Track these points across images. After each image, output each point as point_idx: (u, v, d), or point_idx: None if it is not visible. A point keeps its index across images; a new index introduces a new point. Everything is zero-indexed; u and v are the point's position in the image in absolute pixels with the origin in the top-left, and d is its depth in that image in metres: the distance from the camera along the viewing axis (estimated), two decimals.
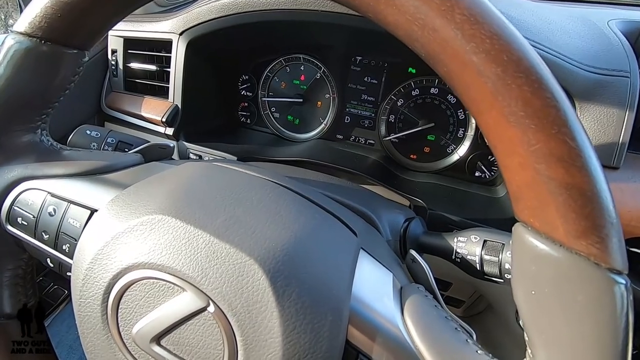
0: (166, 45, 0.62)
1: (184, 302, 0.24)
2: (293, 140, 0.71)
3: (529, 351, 0.21)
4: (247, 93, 0.72)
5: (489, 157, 0.59)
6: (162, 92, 0.65)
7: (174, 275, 0.24)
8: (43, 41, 0.28)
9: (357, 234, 0.31)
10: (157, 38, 0.62)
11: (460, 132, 0.60)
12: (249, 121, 0.73)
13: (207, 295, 0.23)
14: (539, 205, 0.19)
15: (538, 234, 0.19)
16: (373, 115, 0.65)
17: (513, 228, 0.21)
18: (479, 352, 0.24)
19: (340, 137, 0.68)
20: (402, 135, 0.63)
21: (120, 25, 0.66)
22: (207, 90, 0.68)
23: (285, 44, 0.66)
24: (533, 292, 0.20)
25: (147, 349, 0.24)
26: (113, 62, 0.68)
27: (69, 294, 0.72)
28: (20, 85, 0.30)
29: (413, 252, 0.32)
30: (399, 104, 0.62)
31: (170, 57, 0.62)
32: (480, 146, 0.59)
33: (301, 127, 0.70)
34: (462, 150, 0.60)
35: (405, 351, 0.24)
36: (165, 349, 0.24)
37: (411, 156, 0.64)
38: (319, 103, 0.68)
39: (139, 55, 0.67)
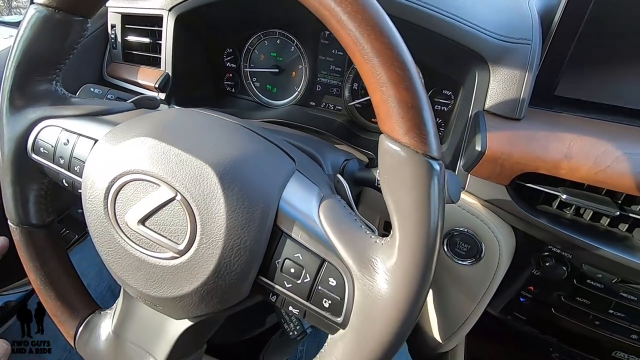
0: (158, 20, 0.71)
1: (160, 194, 0.34)
2: (271, 106, 0.80)
3: (392, 221, 0.31)
4: (231, 64, 0.81)
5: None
6: (156, 62, 0.75)
7: (153, 176, 0.34)
8: (57, 10, 0.38)
9: (296, 161, 0.41)
10: (150, 14, 0.71)
11: None
12: (233, 90, 0.83)
13: (175, 189, 0.33)
14: (386, 116, 0.28)
15: (388, 137, 0.29)
16: (340, 83, 0.74)
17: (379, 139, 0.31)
18: (368, 232, 0.34)
19: (313, 103, 0.78)
20: (364, 101, 0.72)
21: (118, 2, 0.75)
22: (195, 61, 0.77)
23: (263, 20, 0.74)
24: (386, 177, 0.30)
25: (135, 229, 0.35)
26: (112, 36, 0.77)
27: (79, 237, 0.84)
28: (39, 45, 0.40)
29: (339, 175, 0.42)
30: None
31: (161, 31, 0.71)
32: None
33: (278, 95, 0.79)
34: None
35: (316, 231, 0.34)
36: (148, 227, 0.34)
37: (372, 119, 0.73)
38: (294, 73, 0.77)
39: (135, 30, 0.76)
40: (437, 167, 0.28)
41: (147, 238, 0.35)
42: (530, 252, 0.53)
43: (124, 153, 0.36)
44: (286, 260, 0.34)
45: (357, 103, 0.73)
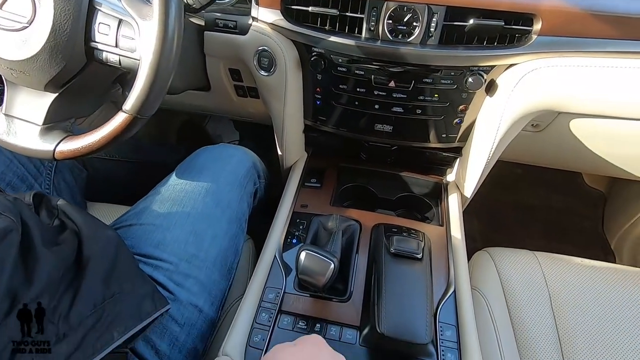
0: None
1: None
2: None
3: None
4: None
5: None
6: None
7: None
8: None
9: None
10: None
11: None
12: None
13: None
14: None
15: None
16: None
17: None
18: (149, 3, 0.56)
19: None
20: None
21: None
22: None
23: None
24: None
25: None
26: None
27: None
28: None
29: None
30: None
31: None
32: None
33: None
34: None
35: (117, 6, 0.56)
36: (5, 11, 0.54)
37: None
38: None
39: None
40: None
41: (5, 19, 0.54)
42: (306, 57, 0.79)
43: None
44: (100, 24, 0.55)
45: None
